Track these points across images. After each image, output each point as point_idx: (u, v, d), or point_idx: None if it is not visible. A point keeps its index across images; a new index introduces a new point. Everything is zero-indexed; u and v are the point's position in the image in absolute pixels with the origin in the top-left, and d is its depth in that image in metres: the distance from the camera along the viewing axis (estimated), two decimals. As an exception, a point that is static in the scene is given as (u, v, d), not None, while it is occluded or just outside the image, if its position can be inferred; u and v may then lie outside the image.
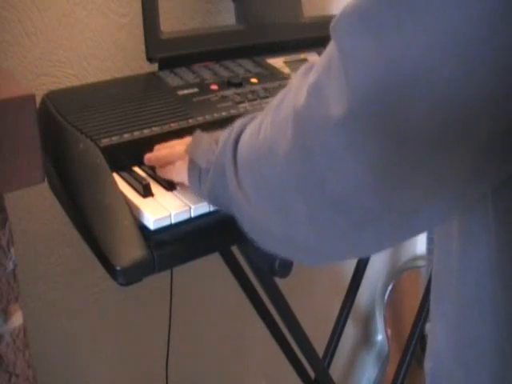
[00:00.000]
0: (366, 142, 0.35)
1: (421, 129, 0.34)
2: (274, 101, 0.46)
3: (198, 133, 0.59)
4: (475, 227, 0.43)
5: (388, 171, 0.36)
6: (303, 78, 0.42)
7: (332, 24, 0.37)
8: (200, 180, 0.56)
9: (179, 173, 0.61)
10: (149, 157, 0.66)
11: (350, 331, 1.68)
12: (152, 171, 0.67)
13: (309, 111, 0.39)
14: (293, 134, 0.40)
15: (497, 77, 0.31)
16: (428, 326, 1.45)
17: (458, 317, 0.47)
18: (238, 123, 0.52)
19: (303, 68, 0.44)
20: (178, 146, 0.64)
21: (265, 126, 0.45)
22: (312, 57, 0.94)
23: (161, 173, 0.65)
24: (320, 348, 1.27)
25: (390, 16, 0.33)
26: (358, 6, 0.35)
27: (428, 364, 0.53)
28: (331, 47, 0.38)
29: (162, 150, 0.66)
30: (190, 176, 0.58)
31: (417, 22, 0.32)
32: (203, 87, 0.80)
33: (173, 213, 0.59)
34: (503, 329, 0.43)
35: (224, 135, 0.53)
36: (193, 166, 0.57)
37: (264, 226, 0.48)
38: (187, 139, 0.62)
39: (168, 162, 0.64)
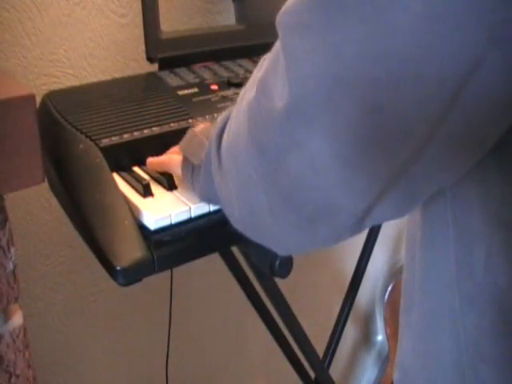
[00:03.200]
0: (307, 136, 0.35)
1: (358, 124, 0.34)
2: (241, 91, 0.47)
3: (192, 129, 0.59)
4: (435, 236, 0.43)
5: (331, 166, 0.36)
6: (259, 69, 0.43)
7: (276, 18, 0.38)
8: (192, 177, 0.56)
9: (173, 165, 0.61)
10: (150, 162, 0.66)
11: (350, 331, 1.68)
12: (152, 171, 0.67)
13: (257, 105, 0.40)
14: (247, 128, 0.41)
15: (432, 73, 0.31)
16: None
17: (422, 328, 0.47)
18: (222, 115, 0.52)
19: (261, 59, 0.45)
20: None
21: (231, 118, 0.46)
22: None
23: (153, 165, 0.65)
24: (320, 348, 1.27)
25: (321, 13, 0.33)
26: (294, 3, 0.35)
27: (395, 374, 0.52)
28: (278, 42, 0.39)
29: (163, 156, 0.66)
30: (183, 173, 0.58)
31: (347, 19, 0.32)
32: (203, 87, 0.80)
33: (173, 213, 0.59)
34: (462, 341, 0.43)
35: (212, 130, 0.53)
36: (186, 163, 0.57)
37: (240, 219, 0.49)
38: None
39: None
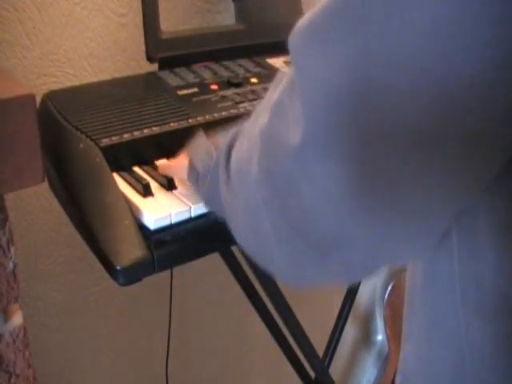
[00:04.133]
0: (322, 170, 0.34)
1: (378, 157, 0.32)
2: (255, 110, 0.46)
3: (200, 134, 0.59)
4: (438, 243, 0.42)
5: (346, 199, 0.34)
6: (273, 90, 0.41)
7: (289, 39, 0.36)
8: (197, 183, 0.56)
9: (179, 169, 0.61)
10: (161, 166, 0.67)
11: (350, 331, 1.68)
12: (152, 170, 0.67)
13: (270, 132, 0.38)
14: (259, 154, 0.40)
15: (455, 85, 0.30)
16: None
17: (424, 334, 0.46)
18: (233, 129, 0.51)
19: (276, 78, 0.43)
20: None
21: (245, 140, 0.45)
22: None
23: (161, 168, 0.66)
24: (320, 348, 1.27)
25: (340, 30, 0.32)
26: (308, 22, 0.34)
27: (397, 379, 0.52)
28: (291, 66, 0.37)
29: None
30: (189, 177, 0.58)
31: (356, 35, 0.31)
32: (203, 87, 0.80)
33: (173, 213, 0.59)
34: (465, 349, 0.42)
35: (222, 142, 0.52)
36: (191, 168, 0.57)
37: (244, 237, 0.48)
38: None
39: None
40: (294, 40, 0.36)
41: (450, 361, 0.43)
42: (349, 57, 0.32)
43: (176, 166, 0.63)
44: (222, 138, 0.53)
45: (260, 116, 0.43)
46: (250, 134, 0.44)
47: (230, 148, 0.48)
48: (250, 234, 0.45)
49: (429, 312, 0.44)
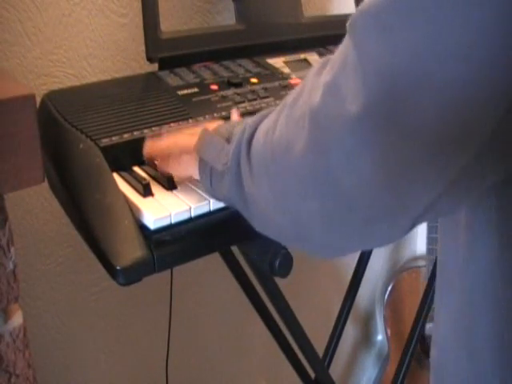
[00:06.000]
0: (380, 139, 0.36)
1: (427, 127, 0.35)
2: (288, 99, 0.47)
3: (206, 131, 0.58)
4: (480, 221, 0.44)
5: (399, 167, 0.37)
6: (317, 76, 0.42)
7: (349, 21, 0.38)
8: (211, 181, 0.56)
9: (186, 168, 0.60)
10: (150, 147, 0.65)
11: (350, 331, 1.69)
12: (152, 170, 0.67)
13: (325, 109, 0.40)
14: (308, 131, 0.41)
15: (501, 77, 0.32)
16: (428, 326, 1.45)
17: (463, 305, 0.48)
18: (250, 121, 0.52)
19: (317, 66, 0.45)
20: (180, 136, 0.63)
21: (280, 124, 0.46)
22: (312, 57, 0.94)
23: (164, 166, 0.64)
24: (320, 348, 1.27)
25: (403, 14, 0.34)
26: (374, 4, 0.36)
27: (433, 352, 0.54)
28: (346, 44, 0.39)
29: (163, 141, 0.65)
30: (201, 176, 0.57)
31: (429, 22, 0.33)
32: (203, 87, 0.80)
33: (173, 212, 0.59)
34: (503, 316, 0.44)
35: (237, 135, 0.52)
36: (204, 166, 0.56)
37: (278, 223, 0.49)
38: (188, 131, 0.63)
39: (171, 155, 0.63)
40: (355, 22, 0.37)
41: (491, 327, 0.45)
42: (409, 44, 0.34)
43: (181, 163, 0.61)
44: (238, 132, 0.53)
45: (297, 104, 0.44)
46: (288, 119, 0.45)
47: (249, 141, 0.50)
48: (289, 217, 0.46)
49: (470, 283, 0.47)
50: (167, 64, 0.84)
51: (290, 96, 0.47)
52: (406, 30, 0.34)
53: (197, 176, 0.59)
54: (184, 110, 0.74)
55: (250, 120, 0.52)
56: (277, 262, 0.61)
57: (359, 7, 0.37)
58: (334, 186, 0.40)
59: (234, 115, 0.69)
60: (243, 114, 0.74)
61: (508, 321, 0.44)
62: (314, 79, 0.43)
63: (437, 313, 0.53)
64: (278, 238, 0.52)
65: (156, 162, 0.66)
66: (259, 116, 0.52)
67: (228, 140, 0.53)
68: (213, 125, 0.60)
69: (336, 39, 0.42)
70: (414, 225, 0.42)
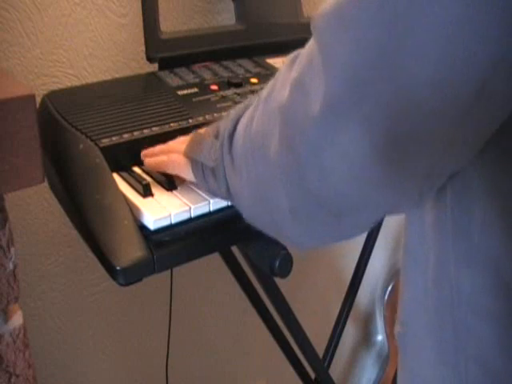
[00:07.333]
0: (342, 135, 0.37)
1: (390, 122, 0.36)
2: (265, 90, 0.48)
3: (196, 132, 0.59)
4: (440, 204, 0.45)
5: (364, 163, 0.37)
6: (289, 70, 0.43)
7: (312, 21, 0.39)
8: (207, 180, 0.56)
9: (175, 166, 0.61)
10: (146, 152, 0.66)
11: (350, 331, 1.69)
12: (152, 171, 0.67)
13: (292, 106, 0.41)
14: (279, 128, 0.42)
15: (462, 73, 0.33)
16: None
17: (420, 284, 0.49)
18: (233, 114, 0.53)
19: (289, 58, 0.46)
20: (172, 143, 0.64)
21: (256, 118, 0.47)
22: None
23: (151, 165, 0.64)
24: (320, 348, 1.27)
25: (366, 10, 0.34)
26: (336, 5, 0.37)
27: (396, 329, 0.56)
28: (312, 43, 0.40)
29: (157, 147, 0.65)
30: (196, 175, 0.58)
31: (393, 18, 0.33)
32: (203, 87, 0.80)
33: (173, 213, 0.59)
34: (455, 298, 0.46)
35: (222, 128, 0.54)
36: (196, 165, 0.57)
37: (257, 213, 0.51)
38: (181, 139, 0.63)
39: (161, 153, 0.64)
40: (318, 22, 0.38)
41: (444, 306, 0.47)
42: (369, 40, 0.34)
43: (171, 163, 0.62)
44: (222, 127, 0.54)
45: (270, 98, 0.45)
46: (261, 116, 0.46)
47: (231, 136, 0.51)
48: (259, 207, 0.49)
49: (425, 261, 0.48)
50: (167, 64, 0.84)
51: (265, 90, 0.48)
52: (370, 26, 0.34)
53: (188, 177, 0.60)
54: (184, 110, 0.74)
55: (233, 111, 0.54)
56: (277, 263, 0.61)
57: (322, 8, 0.38)
58: (302, 182, 0.41)
59: None
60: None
61: (460, 305, 0.46)
62: (285, 74, 0.44)
63: (400, 291, 0.55)
64: (262, 228, 0.53)
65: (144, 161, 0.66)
66: (241, 108, 0.53)
67: (216, 136, 0.55)
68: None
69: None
70: (372, 224, 0.44)
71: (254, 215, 0.53)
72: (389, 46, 0.34)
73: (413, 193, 0.41)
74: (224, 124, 0.54)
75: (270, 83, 0.47)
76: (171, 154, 0.62)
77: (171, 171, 0.63)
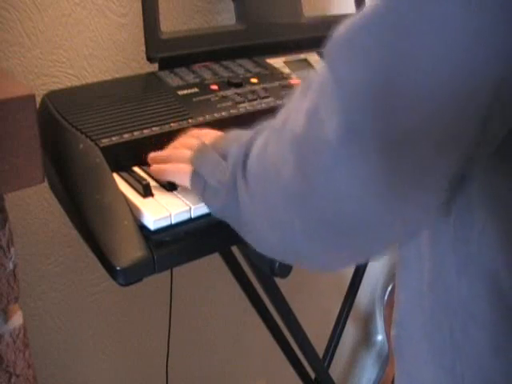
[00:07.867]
0: (358, 162, 0.37)
1: (413, 147, 0.36)
2: (279, 118, 0.48)
3: (204, 144, 0.59)
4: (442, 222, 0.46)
5: (382, 188, 0.38)
6: (302, 98, 0.44)
7: (325, 47, 0.40)
8: (205, 193, 0.57)
9: (182, 177, 0.60)
10: (153, 156, 0.66)
11: (350, 331, 1.69)
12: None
13: (307, 135, 0.41)
14: (294, 157, 0.42)
15: (474, 90, 0.34)
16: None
17: (419, 287, 0.50)
18: (244, 140, 0.53)
19: (302, 86, 0.46)
20: (184, 145, 0.64)
21: (271, 146, 0.47)
22: (312, 57, 0.94)
23: (156, 172, 0.64)
24: (320, 348, 1.27)
25: (377, 34, 0.36)
26: (347, 29, 0.37)
27: (392, 331, 0.56)
28: (324, 70, 0.40)
29: (165, 150, 0.66)
30: (194, 187, 0.58)
31: (401, 39, 0.34)
32: (203, 87, 0.80)
33: (173, 213, 0.59)
34: (454, 303, 0.46)
35: (233, 152, 0.54)
36: (197, 178, 0.57)
37: (269, 241, 0.51)
38: (194, 131, 0.64)
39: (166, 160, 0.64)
40: (331, 48, 0.39)
41: (437, 310, 0.48)
42: (380, 65, 0.35)
43: (176, 172, 0.62)
44: (230, 147, 0.55)
45: (285, 128, 0.45)
46: (277, 142, 0.46)
47: (244, 161, 0.51)
48: (274, 233, 0.49)
49: (419, 264, 0.50)
50: (167, 64, 0.84)
51: (281, 115, 0.48)
52: (380, 49, 0.35)
53: (185, 184, 0.60)
54: (184, 110, 0.74)
55: (244, 138, 0.53)
56: (277, 263, 0.61)
57: (334, 34, 0.39)
58: (315, 207, 0.42)
59: None
60: (243, 114, 0.74)
61: (457, 310, 0.46)
62: (299, 102, 0.44)
63: (396, 293, 0.56)
64: (269, 254, 0.54)
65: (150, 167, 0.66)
66: (254, 133, 0.53)
67: (224, 157, 0.55)
68: (210, 134, 0.62)
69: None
70: (387, 246, 0.44)
71: (264, 242, 0.53)
72: (398, 70, 0.34)
73: (431, 207, 0.41)
74: (234, 149, 0.54)
75: (283, 111, 0.48)
76: (176, 165, 0.62)
77: (177, 182, 0.63)
